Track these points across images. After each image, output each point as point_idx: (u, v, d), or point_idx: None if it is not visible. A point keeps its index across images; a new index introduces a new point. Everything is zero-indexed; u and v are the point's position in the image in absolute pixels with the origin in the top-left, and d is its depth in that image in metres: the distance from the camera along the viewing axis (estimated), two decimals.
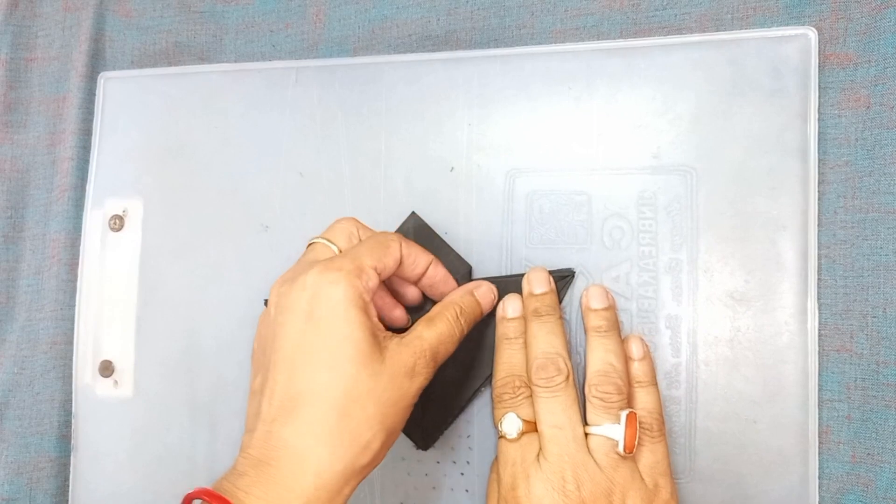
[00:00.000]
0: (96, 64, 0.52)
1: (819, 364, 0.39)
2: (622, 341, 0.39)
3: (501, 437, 0.37)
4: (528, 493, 0.35)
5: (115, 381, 0.48)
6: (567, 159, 0.43)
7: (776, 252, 0.39)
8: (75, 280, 0.50)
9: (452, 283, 0.40)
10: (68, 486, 0.49)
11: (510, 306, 0.40)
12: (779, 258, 0.39)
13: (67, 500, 0.49)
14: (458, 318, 0.37)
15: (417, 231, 0.42)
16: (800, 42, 0.40)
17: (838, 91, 0.40)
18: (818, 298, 0.39)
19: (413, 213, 0.43)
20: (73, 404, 0.49)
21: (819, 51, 0.40)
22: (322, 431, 0.31)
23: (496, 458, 0.39)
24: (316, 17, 0.49)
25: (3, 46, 0.54)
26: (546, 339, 0.38)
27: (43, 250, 0.52)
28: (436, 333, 0.36)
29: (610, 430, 0.35)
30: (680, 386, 0.40)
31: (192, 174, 0.49)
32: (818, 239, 0.39)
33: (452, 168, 0.44)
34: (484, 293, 0.40)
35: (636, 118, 0.42)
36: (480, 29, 0.46)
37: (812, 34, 0.40)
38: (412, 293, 0.40)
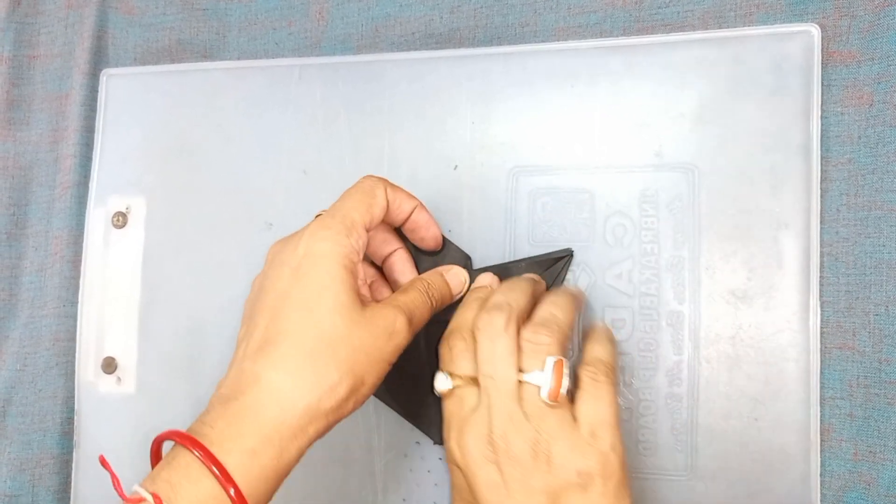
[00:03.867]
0: (99, 61, 0.52)
1: (821, 362, 0.38)
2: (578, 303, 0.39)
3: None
4: (459, 444, 0.35)
5: (118, 378, 0.48)
6: (570, 157, 0.43)
7: (778, 250, 0.39)
8: (78, 277, 0.50)
9: (435, 228, 0.40)
10: (70, 482, 0.49)
11: (481, 279, 0.41)
12: (781, 256, 0.39)
13: (69, 497, 0.49)
14: (427, 290, 0.38)
15: None
16: (803, 39, 0.40)
17: (841, 88, 0.40)
18: (820, 296, 0.39)
19: None
20: (76, 401, 0.49)
21: (822, 48, 0.40)
22: (290, 366, 0.32)
23: None
24: (319, 14, 0.49)
25: (6, 43, 0.54)
26: (506, 292, 0.37)
27: (46, 247, 0.52)
28: (409, 298, 0.37)
29: (538, 377, 0.34)
30: (682, 383, 0.40)
31: (196, 171, 0.49)
32: (820, 236, 0.39)
33: (455, 166, 0.44)
34: (454, 275, 0.40)
35: (639, 116, 0.42)
36: (483, 27, 0.46)
37: (815, 31, 0.40)
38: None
